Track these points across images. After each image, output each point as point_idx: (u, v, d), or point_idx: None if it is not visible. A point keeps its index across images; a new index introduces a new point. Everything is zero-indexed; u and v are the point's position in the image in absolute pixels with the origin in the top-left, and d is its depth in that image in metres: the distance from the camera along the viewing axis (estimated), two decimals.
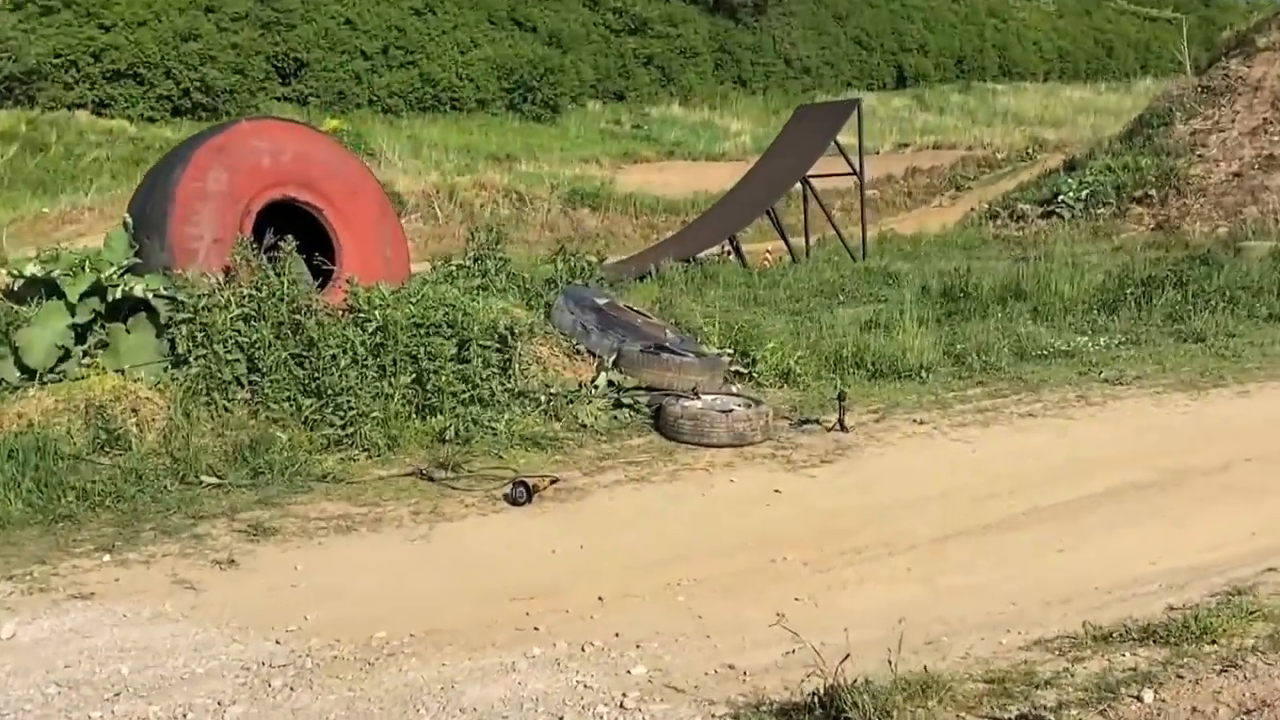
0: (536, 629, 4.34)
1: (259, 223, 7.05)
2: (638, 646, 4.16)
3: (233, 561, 4.95)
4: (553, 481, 5.82)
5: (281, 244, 6.64)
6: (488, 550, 5.20)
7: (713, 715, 3.59)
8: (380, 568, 4.98)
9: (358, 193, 7.42)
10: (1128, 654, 3.91)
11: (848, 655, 3.45)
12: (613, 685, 3.82)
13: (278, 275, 6.54)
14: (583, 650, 4.12)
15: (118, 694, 3.80)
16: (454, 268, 7.96)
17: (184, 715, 3.66)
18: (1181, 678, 3.69)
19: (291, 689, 3.83)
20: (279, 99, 30.22)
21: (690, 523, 5.56)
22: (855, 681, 3.40)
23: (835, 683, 3.40)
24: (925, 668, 3.45)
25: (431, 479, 5.86)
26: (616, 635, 4.26)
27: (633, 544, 5.29)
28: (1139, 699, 3.54)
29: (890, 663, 3.45)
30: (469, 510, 5.61)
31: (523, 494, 5.63)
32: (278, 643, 4.19)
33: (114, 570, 4.84)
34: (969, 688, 3.67)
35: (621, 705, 3.68)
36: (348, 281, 6.77)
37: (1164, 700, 3.54)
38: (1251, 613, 4.20)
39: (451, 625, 4.36)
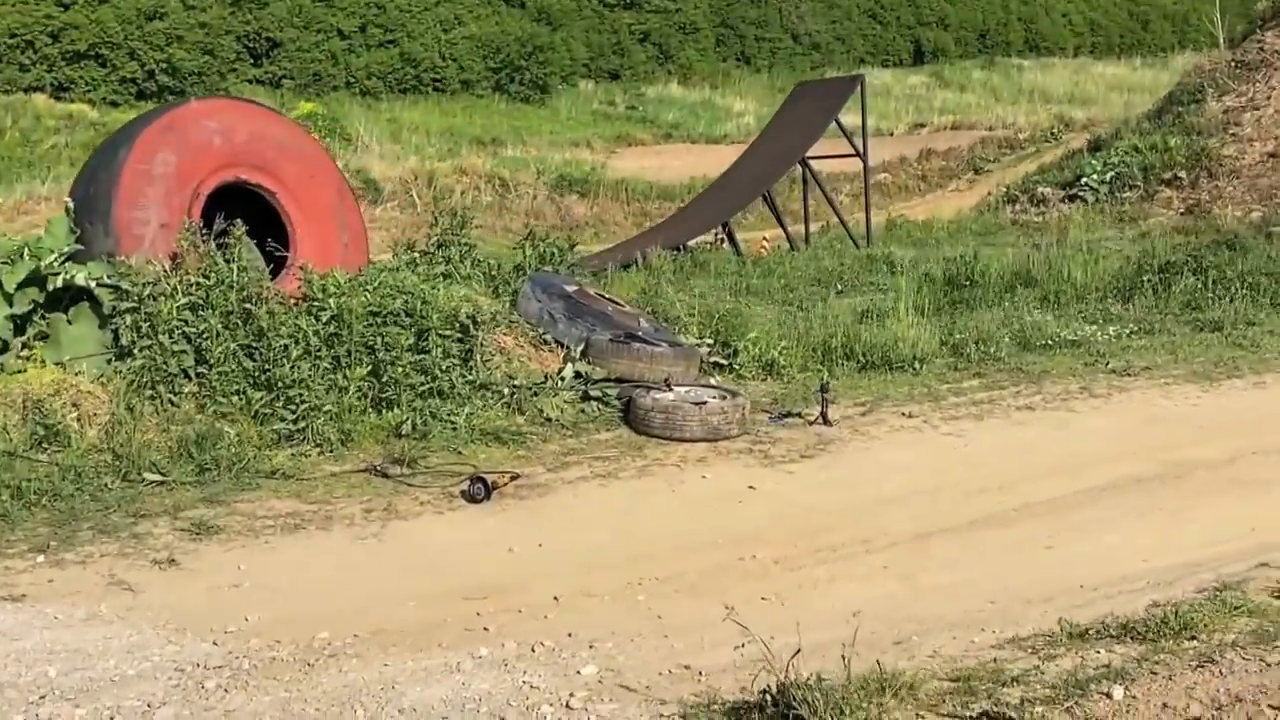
0: (486, 629, 4.44)
1: (209, 207, 7.16)
2: (591, 646, 4.26)
3: (173, 561, 5.05)
4: (513, 478, 5.92)
5: (232, 229, 6.74)
6: (442, 549, 5.31)
7: (661, 715, 3.69)
8: (327, 567, 5.09)
9: (314, 175, 7.53)
10: (1102, 651, 4.00)
11: (798, 651, 3.55)
12: (560, 685, 3.92)
13: (228, 262, 6.65)
14: (532, 651, 4.23)
15: (43, 696, 3.90)
16: (416, 254, 8.06)
17: (111, 718, 3.76)
18: (1155, 674, 3.78)
19: (225, 690, 3.93)
20: (250, 81, 30.41)
21: (657, 520, 5.66)
22: (809, 679, 3.50)
23: (786, 680, 3.50)
24: (879, 663, 3.54)
25: (386, 475, 5.97)
26: (570, 635, 4.37)
27: (595, 542, 5.39)
28: (1108, 696, 3.63)
29: (844, 659, 3.54)
30: (424, 508, 5.71)
31: (481, 491, 5.73)
32: (215, 644, 4.29)
33: (48, 571, 4.95)
34: (933, 686, 3.77)
35: (568, 705, 3.78)
36: (301, 268, 6.88)
37: (1134, 697, 3.64)
38: (1236, 608, 4.29)
39: (398, 626, 4.47)
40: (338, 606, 4.65)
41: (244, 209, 7.25)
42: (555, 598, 4.75)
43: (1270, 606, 4.37)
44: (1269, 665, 3.85)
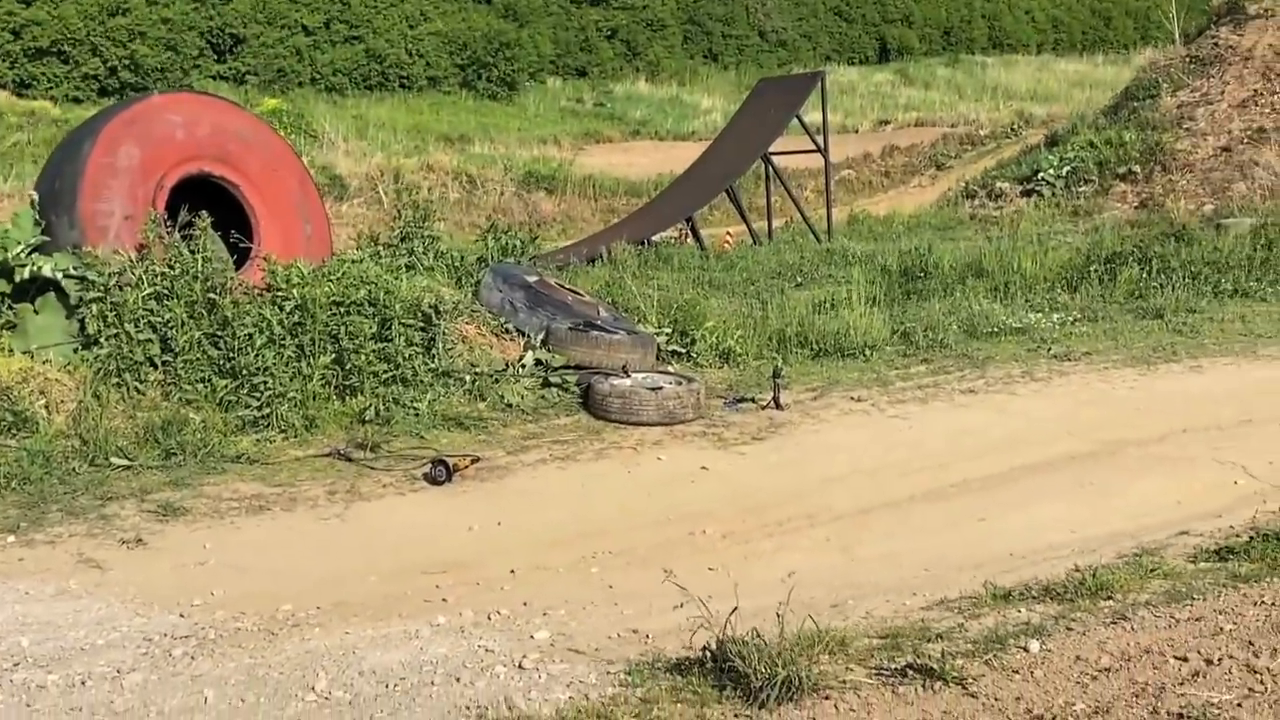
0: (445, 600, 4.66)
1: (173, 199, 7.32)
2: (544, 614, 4.49)
3: (140, 541, 5.23)
4: (474, 461, 6.14)
5: (196, 221, 6.91)
6: (403, 528, 5.52)
7: (608, 672, 3.92)
8: (291, 546, 5.28)
9: (277, 168, 7.71)
10: (1024, 610, 4.27)
11: (734, 610, 3.79)
12: (514, 649, 4.14)
13: (192, 253, 6.81)
14: (489, 619, 4.45)
15: (16, 664, 4.08)
16: (380, 247, 8.26)
17: (82, 683, 3.95)
18: (1070, 630, 4.06)
19: (192, 658, 4.13)
20: (214, 77, 30.35)
21: (613, 500, 5.89)
22: (745, 636, 3.74)
23: (723, 637, 3.74)
24: (811, 618, 3.79)
25: (349, 459, 6.16)
26: (525, 604, 4.59)
27: (552, 520, 5.61)
28: (1025, 649, 3.90)
29: (779, 616, 3.78)
30: (386, 490, 5.92)
31: (442, 473, 5.94)
32: (182, 616, 4.49)
33: (18, 550, 5.12)
34: (863, 643, 4.03)
35: (520, 666, 4.00)
36: (265, 259, 7.06)
37: (1049, 650, 3.91)
38: (1152, 570, 4.58)
39: (359, 598, 4.68)
40: (301, 582, 4.85)
41: (208, 201, 7.41)
42: (512, 571, 4.98)
43: (1185, 570, 4.66)
44: (1178, 621, 4.13)
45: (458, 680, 3.89)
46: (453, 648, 4.17)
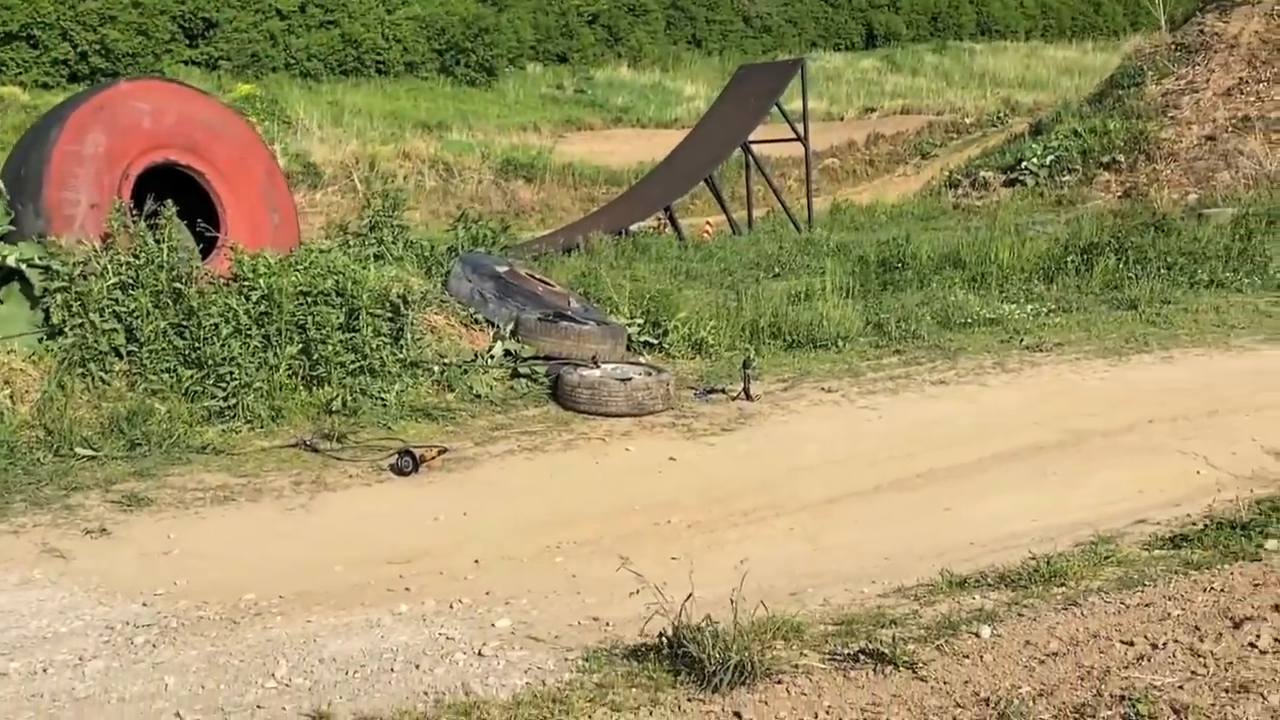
0: (408, 589, 4.78)
1: (139, 187, 7.40)
2: (507, 603, 4.62)
3: (104, 531, 5.33)
4: (441, 451, 6.25)
5: (162, 209, 6.99)
6: (368, 519, 5.63)
7: (567, 659, 4.05)
8: (256, 536, 5.39)
9: (244, 156, 7.79)
10: (978, 597, 4.42)
11: (689, 596, 3.92)
12: (475, 637, 4.26)
13: (158, 242, 6.90)
14: (451, 608, 4.57)
15: None
16: (349, 236, 8.35)
17: (44, 670, 4.05)
18: (1021, 615, 4.21)
19: (154, 645, 4.24)
20: (186, 62, 30.31)
21: (580, 490, 6.02)
22: (700, 623, 3.87)
23: (678, 623, 3.88)
24: (763, 605, 3.92)
25: (316, 450, 6.27)
26: (487, 594, 4.72)
27: (518, 511, 5.74)
28: (976, 635, 4.05)
29: (732, 602, 3.91)
30: (352, 480, 6.03)
31: (409, 464, 6.05)
32: (144, 605, 4.59)
33: None
34: (818, 629, 4.17)
35: (480, 653, 4.12)
36: (232, 248, 7.15)
37: (1000, 635, 4.05)
38: (1106, 558, 4.74)
39: (322, 588, 4.80)
40: (264, 571, 4.96)
41: (174, 190, 7.49)
42: (476, 561, 5.10)
43: (1139, 557, 4.82)
44: (1128, 607, 4.28)
45: (417, 667, 4.01)
46: (414, 636, 4.29)
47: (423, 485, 6.02)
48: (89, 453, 6.07)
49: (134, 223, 7.02)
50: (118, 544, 5.24)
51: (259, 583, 4.82)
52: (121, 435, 6.20)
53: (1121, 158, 19.41)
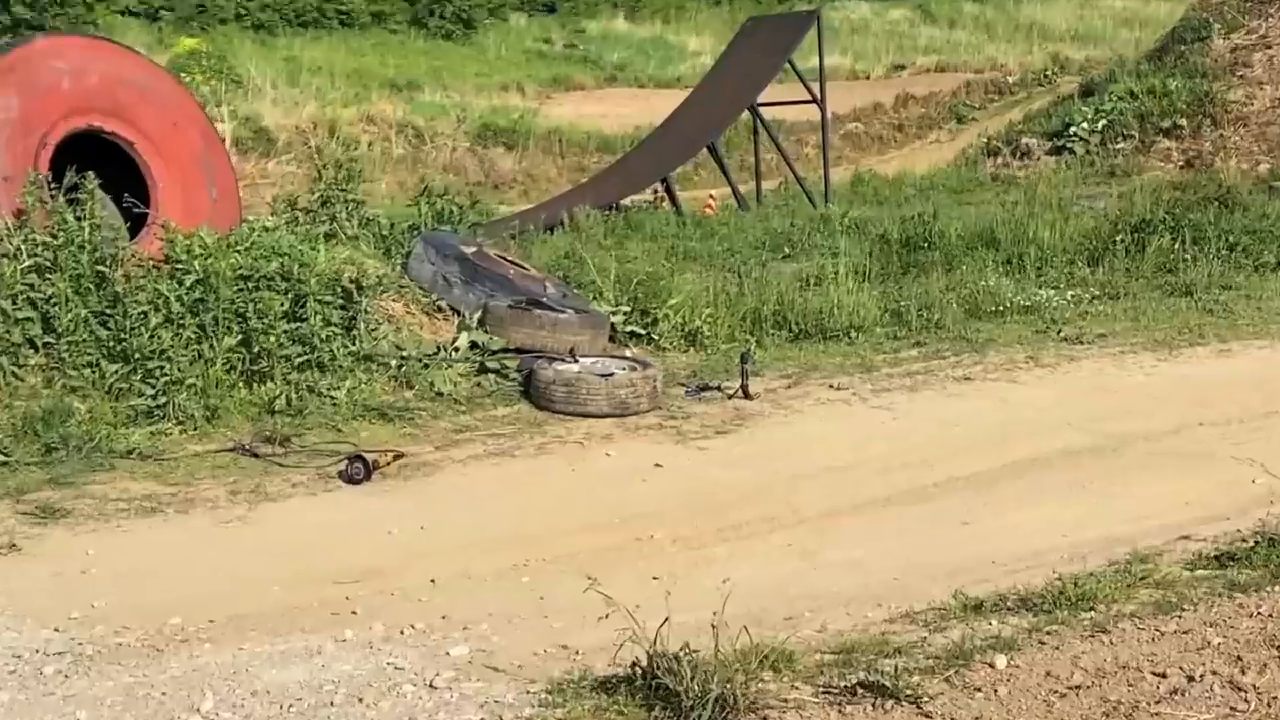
0: (354, 612, 4.82)
1: (58, 158, 7.43)
2: (465, 628, 4.66)
3: (14, 546, 5.38)
4: (397, 457, 6.29)
5: (83, 182, 7.03)
6: (314, 532, 5.67)
7: (529, 692, 4.09)
8: (186, 552, 5.43)
9: (178, 122, 7.84)
10: (994, 623, 4.46)
11: (665, 620, 3.96)
12: (426, 667, 4.30)
13: (79, 219, 6.94)
14: (401, 633, 4.61)
15: None
16: (297, 212, 8.39)
17: None
18: (1043, 644, 4.25)
19: (66, 676, 4.28)
20: (123, 13, 30.34)
21: (552, 500, 6.06)
22: (679, 651, 3.91)
23: (652, 651, 3.91)
24: (747, 630, 3.96)
25: (256, 455, 6.32)
26: (444, 617, 4.76)
27: (482, 524, 5.78)
28: (991, 665, 4.09)
29: (713, 627, 3.95)
30: (296, 489, 6.08)
31: (360, 471, 6.10)
32: (56, 630, 4.64)
33: None
34: (813, 658, 4.21)
35: (431, 685, 4.16)
36: (163, 227, 7.19)
37: (1017, 666, 4.09)
38: (1141, 579, 4.77)
39: (258, 610, 4.84)
40: (194, 592, 5.01)
41: (98, 161, 7.52)
42: (432, 580, 5.14)
43: (1179, 578, 4.85)
44: (1163, 634, 4.32)
45: (360, 700, 4.05)
46: (358, 665, 4.33)
47: (375, 494, 6.06)
48: None
49: (52, 198, 7.05)
50: (29, 561, 5.28)
51: (187, 605, 4.85)
52: (36, 438, 6.25)
53: (1184, 122, 19.40)
